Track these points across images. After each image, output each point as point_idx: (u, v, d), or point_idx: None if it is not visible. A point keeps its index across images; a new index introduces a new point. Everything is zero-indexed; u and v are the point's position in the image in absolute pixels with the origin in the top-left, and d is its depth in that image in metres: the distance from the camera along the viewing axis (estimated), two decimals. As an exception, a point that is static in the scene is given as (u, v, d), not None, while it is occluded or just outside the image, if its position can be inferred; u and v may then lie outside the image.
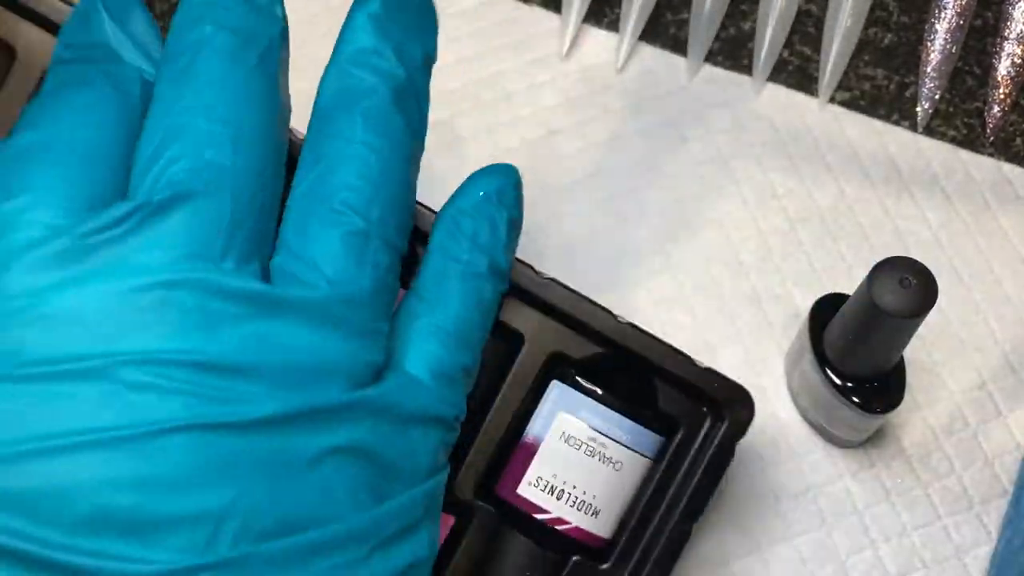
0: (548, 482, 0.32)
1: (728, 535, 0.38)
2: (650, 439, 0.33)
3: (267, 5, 0.27)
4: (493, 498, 0.32)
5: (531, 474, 0.32)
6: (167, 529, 0.23)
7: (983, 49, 0.44)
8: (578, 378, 0.32)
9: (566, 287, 0.32)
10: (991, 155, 0.42)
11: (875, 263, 0.32)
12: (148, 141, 0.26)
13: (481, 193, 0.30)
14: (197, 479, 0.23)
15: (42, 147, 0.26)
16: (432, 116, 0.42)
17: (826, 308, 0.36)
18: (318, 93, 0.28)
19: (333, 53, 0.28)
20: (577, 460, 0.32)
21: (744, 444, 0.39)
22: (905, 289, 0.32)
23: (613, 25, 0.44)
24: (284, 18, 0.28)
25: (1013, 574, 0.36)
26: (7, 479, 0.23)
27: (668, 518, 0.32)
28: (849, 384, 0.36)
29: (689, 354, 0.33)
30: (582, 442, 0.32)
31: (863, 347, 0.35)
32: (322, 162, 0.27)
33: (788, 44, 0.44)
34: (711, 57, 0.44)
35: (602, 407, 0.32)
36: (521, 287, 0.32)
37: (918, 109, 0.43)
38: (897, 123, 0.43)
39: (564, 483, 0.32)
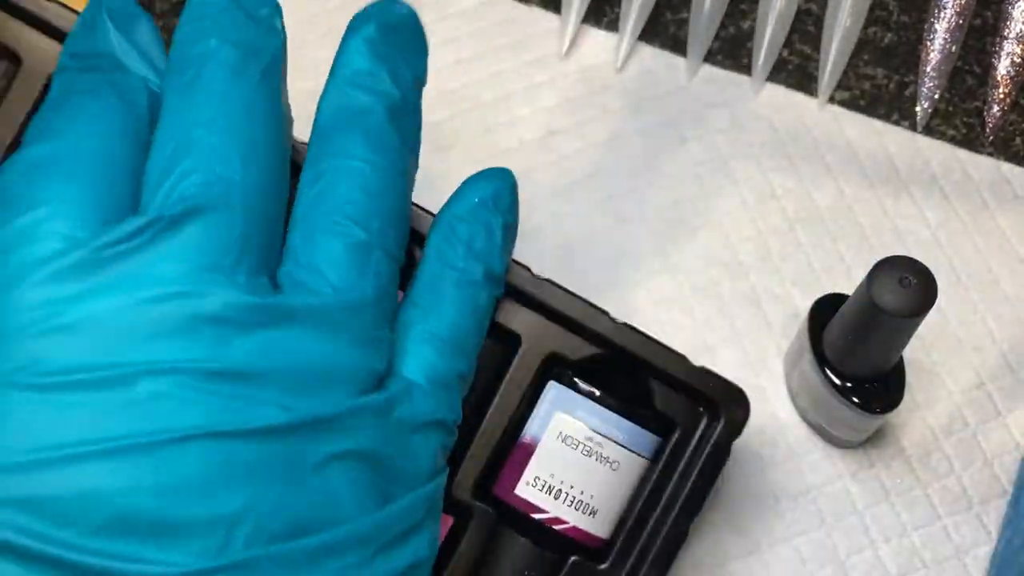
0: (546, 482, 0.33)
1: (728, 536, 0.39)
2: (647, 439, 0.34)
3: (267, 18, 0.29)
4: (491, 498, 0.33)
5: (529, 474, 0.33)
6: (184, 533, 0.25)
7: (983, 48, 0.45)
8: (575, 379, 0.33)
9: (562, 288, 0.33)
10: (990, 155, 0.43)
11: (874, 263, 0.33)
12: (158, 154, 0.27)
13: (477, 198, 0.31)
14: (212, 485, 0.25)
15: (55, 159, 0.27)
16: (431, 116, 0.43)
17: (825, 308, 0.37)
18: (317, 112, 0.29)
19: (330, 75, 0.30)
20: (574, 460, 0.33)
21: (743, 445, 0.40)
22: (905, 288, 0.33)
23: (612, 25, 0.45)
24: (283, 31, 0.29)
25: (1013, 574, 0.37)
26: (32, 486, 0.24)
27: (665, 518, 0.33)
28: (848, 384, 0.37)
29: (686, 354, 0.34)
30: (579, 442, 0.33)
31: (863, 347, 0.35)
32: (324, 177, 0.28)
33: (788, 43, 0.45)
34: (711, 56, 0.45)
35: (599, 407, 0.33)
36: (518, 288, 0.33)
37: (918, 108, 0.44)
38: (897, 123, 0.44)
39: (561, 483, 0.33)
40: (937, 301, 0.33)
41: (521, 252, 0.33)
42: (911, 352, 0.38)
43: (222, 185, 0.27)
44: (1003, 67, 0.44)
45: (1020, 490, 0.39)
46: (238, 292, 0.26)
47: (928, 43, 0.44)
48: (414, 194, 0.31)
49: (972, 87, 0.44)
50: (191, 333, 0.25)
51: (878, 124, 0.44)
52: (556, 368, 0.34)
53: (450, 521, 0.33)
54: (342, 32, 0.30)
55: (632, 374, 0.34)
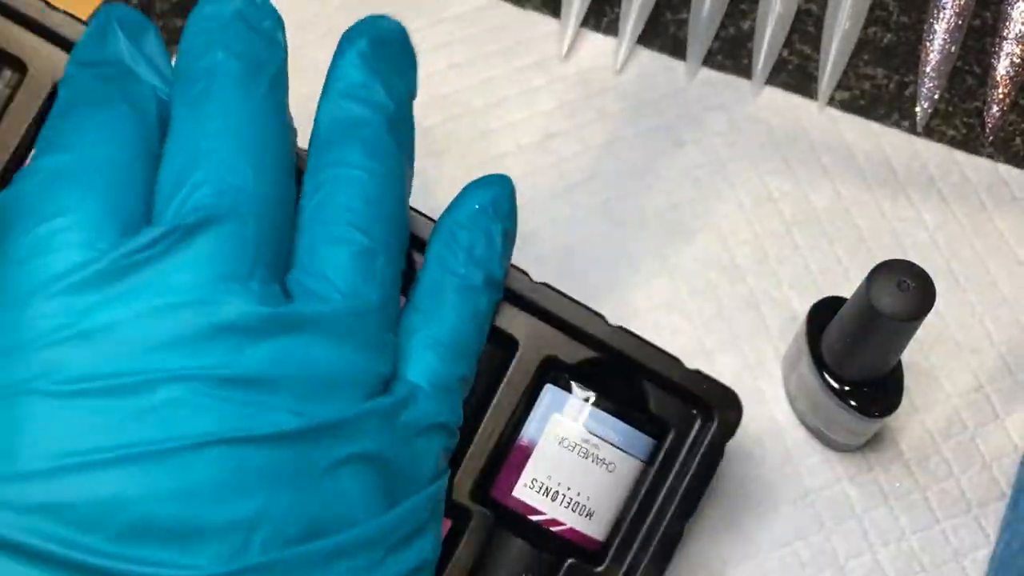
0: (543, 484, 0.34)
1: (726, 540, 0.40)
2: (642, 441, 0.35)
3: (270, 31, 0.30)
4: (489, 501, 0.34)
5: (526, 476, 0.34)
6: (204, 537, 0.26)
7: (982, 49, 0.46)
8: (571, 381, 0.35)
9: (559, 292, 0.35)
10: (990, 155, 0.44)
11: (872, 265, 0.34)
12: (170, 165, 0.28)
13: (476, 205, 0.32)
14: (228, 490, 0.26)
15: (70, 169, 0.28)
16: (426, 121, 0.44)
17: (823, 311, 0.38)
18: (315, 124, 0.31)
19: (325, 88, 0.31)
20: (571, 462, 0.34)
21: (742, 448, 0.41)
22: (903, 292, 0.33)
23: (612, 26, 0.46)
24: (285, 46, 0.31)
25: (1012, 577, 0.38)
26: (54, 492, 0.25)
27: (660, 519, 0.34)
28: (847, 388, 0.37)
29: (685, 357, 0.35)
30: (576, 444, 0.34)
31: (861, 351, 0.36)
32: (325, 187, 0.30)
33: (788, 43, 0.46)
34: (711, 57, 0.46)
35: (595, 409, 0.34)
36: (515, 292, 0.34)
37: (917, 109, 0.45)
38: (897, 123, 0.45)
39: (559, 484, 0.34)
40: (935, 304, 0.33)
41: (519, 255, 0.34)
42: (909, 355, 0.39)
43: (234, 195, 0.28)
44: (1003, 67, 0.45)
45: (1019, 493, 0.40)
46: (253, 300, 0.27)
47: (928, 43, 0.45)
48: (411, 198, 0.32)
49: (972, 87, 0.45)
50: (207, 341, 0.27)
51: (875, 126, 0.45)
52: (553, 371, 0.35)
53: (448, 524, 0.34)
54: (341, 34, 0.31)
55: (627, 377, 0.35)
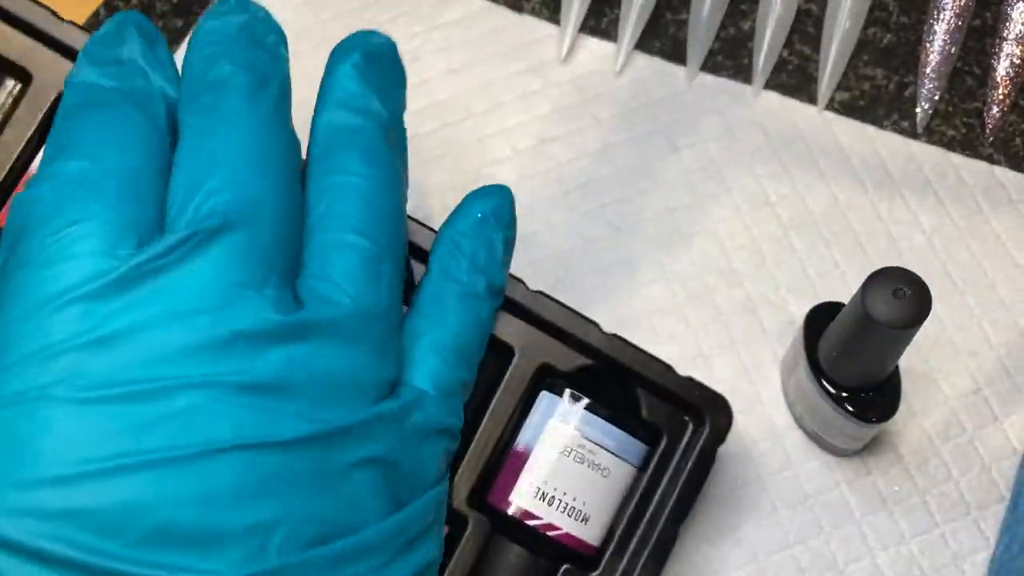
0: (539, 489, 0.35)
1: (725, 545, 0.41)
2: (635, 447, 0.36)
3: (274, 46, 0.32)
4: (485, 507, 0.36)
5: (523, 481, 0.35)
6: (223, 542, 0.27)
7: (982, 49, 0.47)
8: (567, 388, 0.36)
9: (554, 300, 0.36)
10: (990, 156, 0.46)
11: (869, 269, 0.35)
12: (183, 173, 0.30)
13: (479, 214, 0.34)
14: (248, 495, 0.27)
15: (87, 175, 0.29)
16: (424, 127, 0.46)
17: (820, 317, 0.39)
18: (312, 133, 0.32)
19: (321, 97, 0.33)
20: (567, 467, 0.35)
21: (740, 452, 0.42)
22: (899, 300, 0.34)
23: (611, 27, 0.47)
24: (288, 59, 0.32)
25: (1011, 580, 0.39)
26: (75, 498, 0.27)
27: (654, 524, 0.36)
28: (844, 394, 0.38)
29: (682, 362, 0.36)
30: (572, 449, 0.35)
31: (857, 358, 0.37)
32: (328, 194, 0.31)
33: (788, 44, 0.47)
34: (711, 57, 0.47)
35: (590, 415, 0.36)
36: (511, 300, 0.36)
37: (917, 109, 0.46)
38: (896, 124, 0.46)
39: (555, 490, 0.35)
40: (932, 307, 0.34)
41: (516, 260, 0.35)
42: (907, 358, 0.40)
43: (248, 203, 0.29)
44: (1002, 68, 0.46)
45: (1018, 495, 0.40)
46: (268, 307, 0.29)
47: (927, 44, 0.46)
48: (408, 206, 0.33)
49: (972, 88, 0.46)
50: (225, 348, 0.28)
51: (871, 129, 0.46)
52: (548, 378, 0.36)
53: (445, 530, 0.36)
54: (335, 43, 0.33)
55: (621, 384, 0.37)
